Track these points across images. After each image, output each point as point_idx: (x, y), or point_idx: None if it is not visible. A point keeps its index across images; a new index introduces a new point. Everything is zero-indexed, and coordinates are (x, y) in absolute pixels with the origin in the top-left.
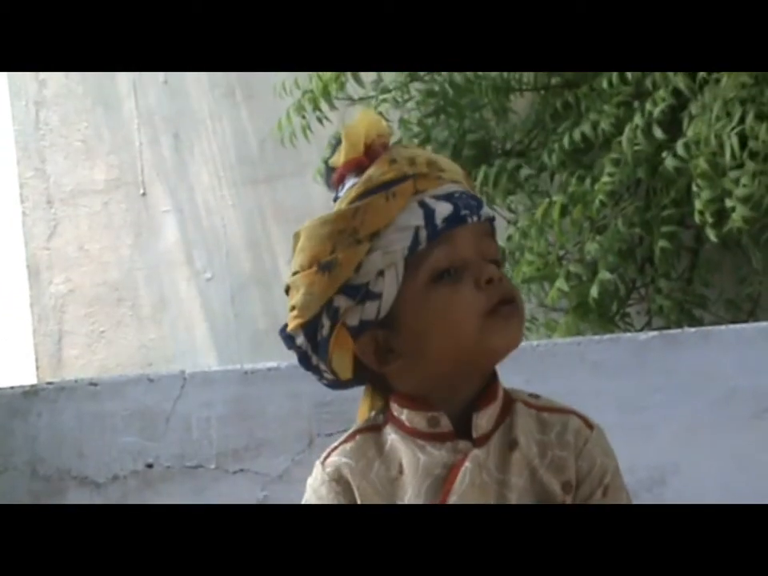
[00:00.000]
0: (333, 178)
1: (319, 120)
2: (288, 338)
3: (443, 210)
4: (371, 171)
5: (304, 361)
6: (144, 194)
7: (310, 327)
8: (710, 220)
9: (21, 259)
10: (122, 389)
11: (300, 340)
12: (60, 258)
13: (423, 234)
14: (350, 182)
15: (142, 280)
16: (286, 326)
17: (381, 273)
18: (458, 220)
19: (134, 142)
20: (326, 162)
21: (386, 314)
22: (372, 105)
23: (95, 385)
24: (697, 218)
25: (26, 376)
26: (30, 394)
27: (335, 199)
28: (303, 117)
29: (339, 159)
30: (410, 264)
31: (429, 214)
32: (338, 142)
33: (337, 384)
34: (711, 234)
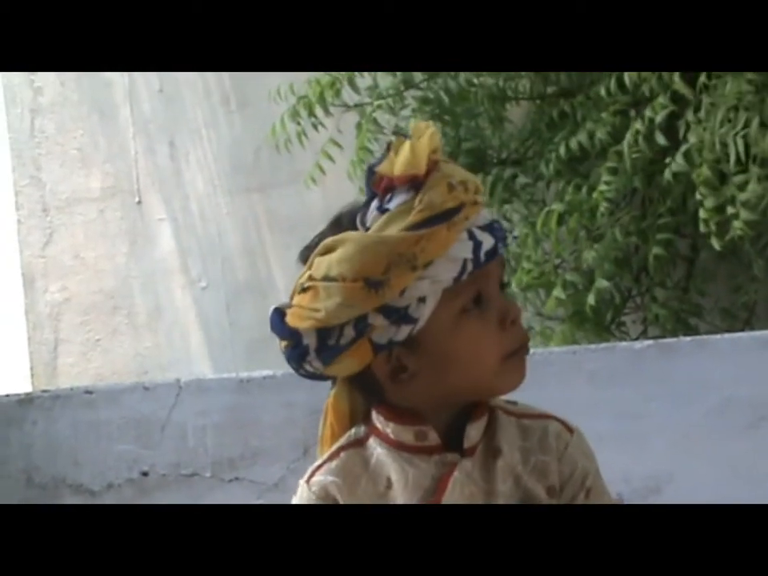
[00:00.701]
0: (378, 184)
1: (314, 126)
2: (290, 331)
3: (487, 243)
4: (432, 195)
5: (297, 355)
6: (139, 202)
7: (327, 331)
8: (714, 228)
9: (16, 267)
10: (118, 397)
11: (309, 340)
12: (55, 266)
13: (470, 266)
14: (400, 196)
15: (138, 288)
16: (280, 311)
17: (422, 299)
18: (495, 254)
19: (130, 150)
20: (371, 167)
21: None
22: (367, 111)
23: (90, 393)
24: (702, 226)
25: (21, 384)
26: (25, 402)
27: (381, 209)
28: (298, 123)
29: (392, 169)
30: (447, 292)
31: (477, 246)
32: (390, 148)
33: (316, 377)
34: (716, 243)
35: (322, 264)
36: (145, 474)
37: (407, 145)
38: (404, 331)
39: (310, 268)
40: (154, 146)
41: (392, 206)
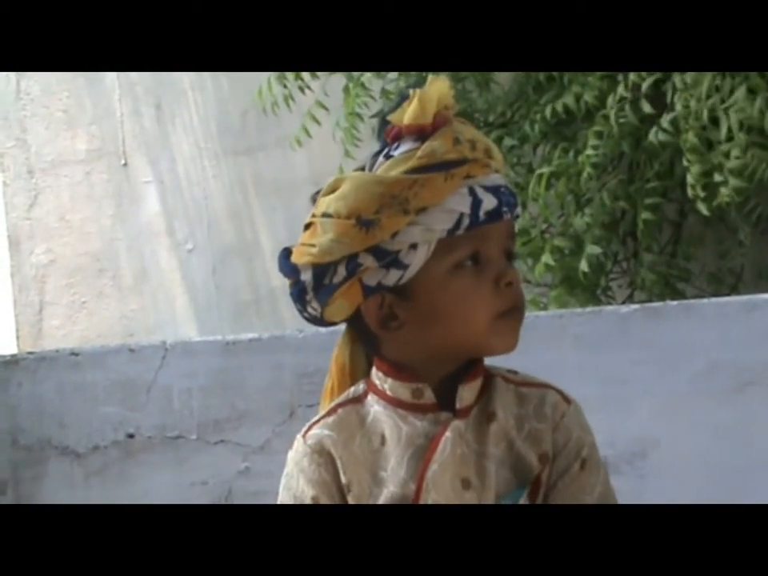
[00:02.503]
0: (389, 132)
1: (300, 89)
2: (291, 268)
3: (489, 203)
4: (435, 145)
5: (298, 292)
6: (125, 165)
7: (322, 269)
8: (701, 194)
9: (1, 229)
10: (103, 359)
11: (305, 276)
12: (41, 228)
13: (466, 221)
14: (406, 145)
15: (123, 251)
16: (287, 250)
17: (414, 246)
18: (498, 216)
19: (116, 112)
20: (384, 115)
21: (403, 283)
22: (354, 75)
23: (76, 355)
24: (689, 192)
25: (6, 346)
26: (11, 363)
27: (386, 155)
28: (285, 86)
29: (402, 118)
30: (442, 244)
31: (476, 203)
32: (403, 98)
33: (318, 322)
34: (703, 208)
35: (323, 202)
36: (130, 436)
37: (417, 95)
38: (393, 276)
39: (316, 207)
40: (140, 109)
41: (397, 153)
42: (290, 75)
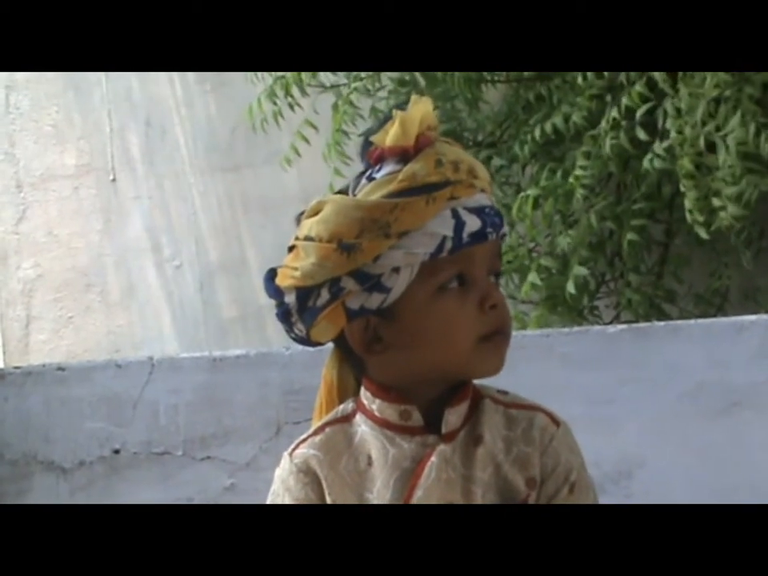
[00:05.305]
0: (371, 154)
1: (290, 106)
2: (276, 290)
3: (472, 225)
4: (416, 168)
5: (283, 314)
6: (114, 180)
7: (305, 291)
8: (700, 219)
9: None
10: (90, 374)
11: (289, 298)
12: (29, 242)
13: (449, 244)
14: (389, 167)
15: (111, 266)
16: (272, 270)
17: (396, 269)
18: (482, 237)
19: (105, 127)
20: (367, 136)
21: (388, 306)
22: (344, 92)
23: (63, 370)
24: (688, 217)
25: None
26: None
27: (369, 177)
28: (275, 103)
29: (384, 139)
30: (425, 267)
31: (459, 226)
32: (386, 119)
33: (305, 342)
34: (702, 233)
35: (305, 225)
36: (116, 451)
37: (399, 117)
38: (376, 299)
39: (299, 230)
40: (129, 124)
41: (379, 175)
42: (280, 92)
